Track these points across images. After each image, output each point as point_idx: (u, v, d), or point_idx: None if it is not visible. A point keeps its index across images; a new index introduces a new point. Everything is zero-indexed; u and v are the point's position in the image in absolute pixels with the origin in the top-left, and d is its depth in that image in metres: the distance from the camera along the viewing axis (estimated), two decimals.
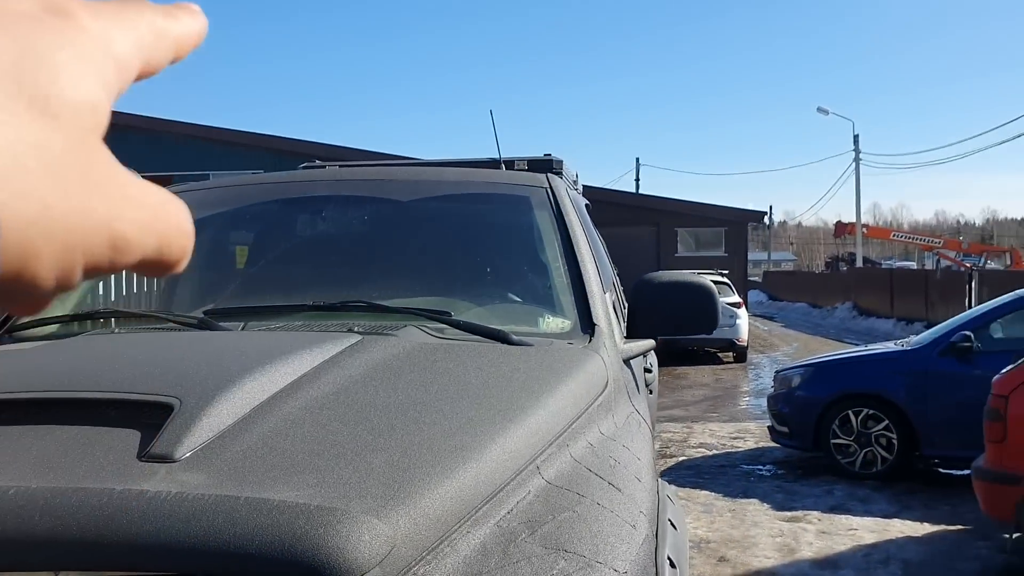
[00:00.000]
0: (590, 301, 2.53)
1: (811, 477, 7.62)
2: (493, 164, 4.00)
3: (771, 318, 33.24)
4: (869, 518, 6.31)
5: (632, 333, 2.74)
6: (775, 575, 5.21)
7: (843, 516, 6.36)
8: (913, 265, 44.87)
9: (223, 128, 20.42)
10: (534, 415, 1.66)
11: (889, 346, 8.41)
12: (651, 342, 2.76)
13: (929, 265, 40.04)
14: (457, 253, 2.95)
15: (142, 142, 17.60)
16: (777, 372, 8.42)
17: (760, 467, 8.09)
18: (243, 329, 2.22)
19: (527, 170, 4.35)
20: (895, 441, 7.45)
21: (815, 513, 6.44)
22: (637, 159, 39.09)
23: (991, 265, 37.58)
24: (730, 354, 17.61)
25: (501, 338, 2.17)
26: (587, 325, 2.45)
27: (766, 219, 21.58)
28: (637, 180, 38.42)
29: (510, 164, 4.25)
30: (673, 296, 2.76)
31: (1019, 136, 64.70)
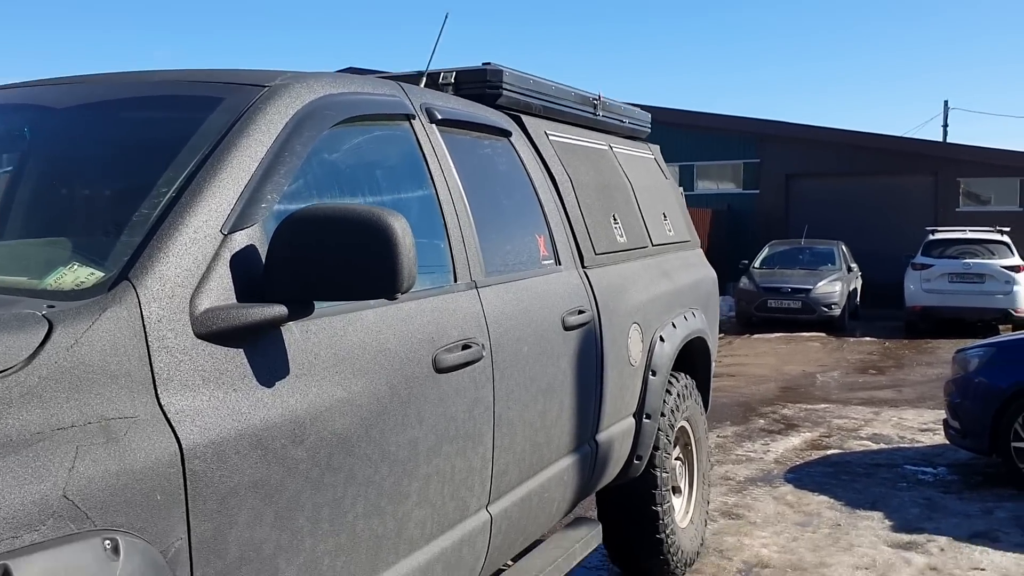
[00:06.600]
0: (151, 244, 1.78)
1: (981, 489, 5.90)
2: (417, 75, 3.41)
3: None
4: (1016, 554, 4.67)
5: (270, 294, 1.88)
6: None
7: (978, 549, 4.77)
8: None
9: None
10: None
11: None
12: (279, 309, 1.85)
13: None
14: (65, 169, 2.38)
15: None
16: (957, 352, 6.62)
17: (926, 469, 6.44)
18: None
19: (452, 82, 3.62)
20: None
21: (941, 540, 4.89)
22: (945, 102, 34.28)
23: None
24: (1008, 327, 14.83)
25: None
26: (122, 279, 1.73)
27: None
28: (945, 127, 33.69)
29: (435, 76, 3.58)
30: (325, 241, 1.89)
31: None
